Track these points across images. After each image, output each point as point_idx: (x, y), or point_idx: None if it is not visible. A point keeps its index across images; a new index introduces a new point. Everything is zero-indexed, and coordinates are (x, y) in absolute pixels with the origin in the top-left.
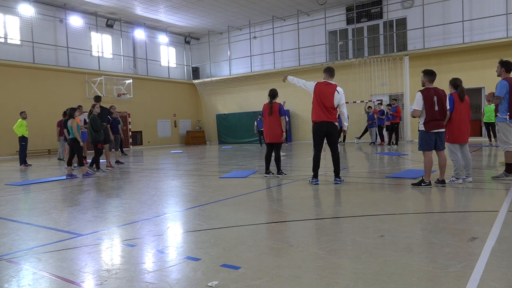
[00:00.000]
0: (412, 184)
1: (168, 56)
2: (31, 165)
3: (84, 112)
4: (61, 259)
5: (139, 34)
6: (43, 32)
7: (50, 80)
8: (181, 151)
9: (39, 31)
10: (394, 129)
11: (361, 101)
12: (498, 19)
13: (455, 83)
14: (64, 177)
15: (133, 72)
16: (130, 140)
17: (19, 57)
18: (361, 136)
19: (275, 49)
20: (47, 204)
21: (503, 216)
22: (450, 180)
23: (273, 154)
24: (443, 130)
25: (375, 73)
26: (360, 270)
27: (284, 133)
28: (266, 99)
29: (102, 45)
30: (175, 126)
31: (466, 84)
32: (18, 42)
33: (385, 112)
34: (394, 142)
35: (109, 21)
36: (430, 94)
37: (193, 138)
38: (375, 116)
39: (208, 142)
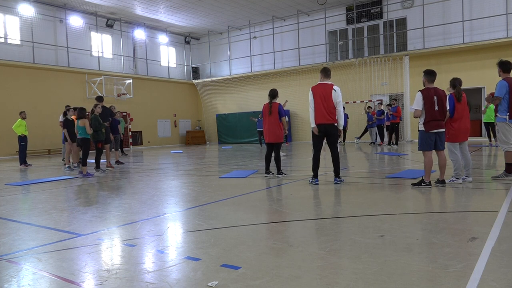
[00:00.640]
0: (412, 184)
1: (168, 56)
2: (31, 165)
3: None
4: (61, 259)
5: (139, 34)
6: (43, 32)
7: (50, 80)
8: (181, 151)
9: (39, 31)
10: (394, 129)
11: (361, 101)
12: (498, 19)
13: (454, 83)
14: (81, 175)
15: (133, 72)
16: (130, 140)
17: (19, 57)
18: (361, 136)
19: (275, 49)
20: (47, 204)
21: (503, 216)
22: (450, 180)
23: (273, 154)
24: (443, 130)
25: (375, 73)
26: (360, 270)
27: (286, 133)
28: (266, 99)
29: (102, 45)
30: (175, 126)
31: (466, 84)
32: (18, 42)
33: (385, 112)
34: (394, 142)
35: (109, 21)
36: (430, 94)
37: (193, 138)
38: (374, 116)
39: (208, 142)
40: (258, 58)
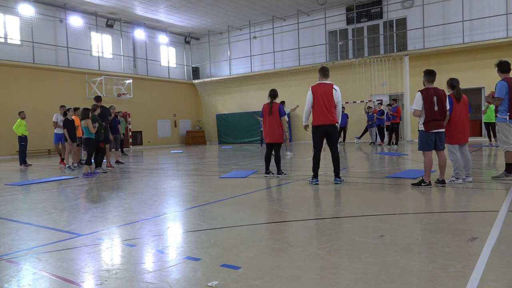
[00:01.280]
0: (412, 184)
1: (168, 56)
2: (31, 165)
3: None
4: (61, 259)
5: (139, 34)
6: (43, 32)
7: (50, 80)
8: (181, 151)
9: (39, 31)
10: (394, 129)
11: (361, 101)
12: (498, 19)
13: (452, 84)
14: (85, 175)
15: (133, 72)
16: (130, 140)
17: (19, 57)
18: (361, 136)
19: (275, 49)
20: (47, 204)
21: (503, 216)
22: (450, 180)
23: (273, 154)
24: (443, 130)
25: (375, 73)
26: (360, 270)
27: (286, 133)
28: (266, 99)
29: (102, 45)
30: (175, 126)
31: (466, 84)
32: (18, 42)
33: (385, 112)
34: (394, 142)
35: (109, 21)
36: (429, 94)
37: (193, 138)
38: (375, 116)
39: (208, 142)
40: (258, 58)
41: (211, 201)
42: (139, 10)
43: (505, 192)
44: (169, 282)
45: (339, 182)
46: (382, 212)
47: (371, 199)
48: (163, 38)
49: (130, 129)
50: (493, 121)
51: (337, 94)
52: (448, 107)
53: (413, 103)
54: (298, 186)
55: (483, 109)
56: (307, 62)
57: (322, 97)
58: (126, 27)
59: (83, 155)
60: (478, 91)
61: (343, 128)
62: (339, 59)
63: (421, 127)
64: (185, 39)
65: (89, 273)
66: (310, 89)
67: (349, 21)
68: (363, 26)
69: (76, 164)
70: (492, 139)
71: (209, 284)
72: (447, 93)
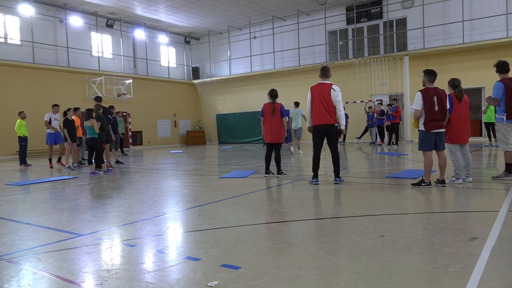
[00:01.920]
0: (412, 184)
1: (168, 56)
2: (31, 165)
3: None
4: (61, 259)
5: (139, 34)
6: (43, 32)
7: (50, 80)
8: (181, 151)
9: (39, 31)
10: (394, 129)
11: (361, 101)
12: (498, 19)
13: (453, 84)
14: (95, 173)
15: (133, 72)
16: (130, 140)
17: (19, 57)
18: (361, 136)
19: (275, 49)
20: (47, 204)
21: (503, 216)
22: (450, 180)
23: (273, 154)
24: (443, 130)
25: (375, 73)
26: (360, 270)
27: (285, 133)
28: (266, 99)
29: (102, 45)
30: (175, 126)
31: (466, 84)
32: (18, 42)
33: (385, 112)
34: (394, 142)
35: (109, 21)
36: (430, 94)
37: (193, 138)
38: (375, 116)
39: (208, 142)
40: (258, 58)
41: (211, 201)
42: (139, 10)
43: (505, 192)
44: (169, 282)
45: (339, 182)
46: (382, 212)
47: (371, 199)
48: (163, 38)
49: (130, 129)
50: (493, 121)
51: (336, 94)
52: (448, 106)
53: (413, 103)
54: (298, 186)
55: (483, 109)
56: (307, 62)
57: (320, 97)
58: (126, 27)
59: (85, 155)
60: (478, 91)
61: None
62: (339, 59)
63: (422, 127)
64: (185, 39)
65: (89, 273)
66: (309, 89)
67: (349, 21)
68: (363, 26)
69: (76, 164)
70: (492, 139)
71: (209, 284)
72: (448, 93)
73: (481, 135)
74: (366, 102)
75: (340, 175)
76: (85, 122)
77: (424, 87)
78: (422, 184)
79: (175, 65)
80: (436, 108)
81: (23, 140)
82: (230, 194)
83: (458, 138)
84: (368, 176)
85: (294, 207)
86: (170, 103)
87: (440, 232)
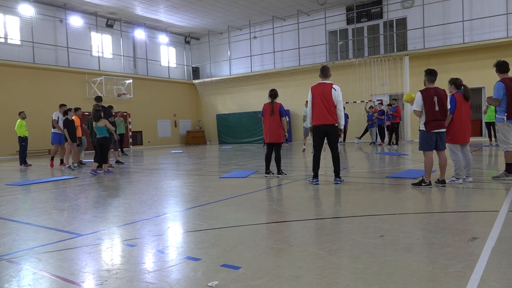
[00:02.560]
0: (412, 184)
1: (168, 56)
2: (31, 165)
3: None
4: (61, 259)
5: (139, 34)
6: (43, 32)
7: (50, 80)
8: (181, 151)
9: (39, 31)
10: (394, 129)
11: (361, 101)
12: (498, 19)
13: (457, 83)
14: (104, 172)
15: (133, 72)
16: (130, 140)
17: (19, 57)
18: (361, 136)
19: (275, 49)
20: (47, 204)
21: (504, 216)
22: (450, 180)
23: (274, 154)
24: (443, 130)
25: (375, 73)
26: (360, 270)
27: (286, 134)
28: (266, 99)
29: (102, 45)
30: (175, 126)
31: (466, 84)
32: (18, 42)
33: (385, 112)
34: (394, 142)
35: (109, 21)
36: (430, 94)
37: (193, 138)
38: (375, 116)
39: (208, 142)
40: (258, 58)
41: (211, 201)
42: (139, 10)
43: (505, 192)
44: (169, 282)
45: (339, 182)
46: (382, 212)
47: (371, 199)
48: (163, 38)
49: (130, 129)
50: (494, 121)
51: (337, 94)
52: (449, 106)
53: (414, 103)
54: (298, 186)
55: (483, 109)
56: (307, 62)
57: (321, 97)
58: (126, 27)
59: (83, 155)
60: (478, 91)
61: (344, 128)
62: (339, 59)
63: (422, 127)
64: (185, 39)
65: (89, 273)
66: (310, 89)
67: (349, 21)
68: (363, 26)
69: (76, 164)
70: (493, 138)
71: (209, 284)
72: (449, 93)
73: (481, 135)
74: (367, 102)
75: (340, 175)
76: (94, 123)
77: (424, 87)
78: (423, 184)
79: (175, 65)
80: (437, 108)
81: (23, 140)
82: (230, 194)
83: (459, 138)
84: (368, 176)
85: (294, 207)
86: (170, 103)
87: (440, 232)
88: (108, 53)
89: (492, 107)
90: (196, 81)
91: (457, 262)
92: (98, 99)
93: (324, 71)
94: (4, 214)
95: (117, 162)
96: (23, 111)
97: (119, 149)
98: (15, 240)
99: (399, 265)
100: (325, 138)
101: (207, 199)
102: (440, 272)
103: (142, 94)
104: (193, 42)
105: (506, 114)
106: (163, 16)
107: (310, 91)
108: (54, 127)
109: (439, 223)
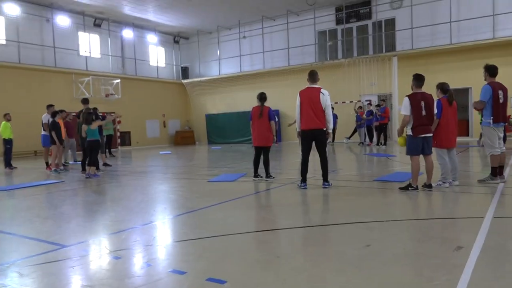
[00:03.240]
0: (400, 188)
1: (157, 55)
2: (16, 167)
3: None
4: (43, 274)
5: (128, 33)
6: (29, 32)
7: (36, 80)
8: (169, 152)
9: (25, 30)
10: (383, 130)
11: (350, 102)
12: (485, 20)
13: (444, 88)
14: (91, 176)
15: (122, 72)
16: (119, 141)
17: (4, 57)
18: (350, 136)
19: (265, 49)
20: (30, 212)
21: (488, 223)
22: (437, 184)
23: (262, 157)
24: (430, 134)
25: (364, 73)
26: (344, 283)
27: (274, 137)
28: (255, 99)
29: (90, 44)
30: (164, 126)
31: (453, 85)
32: (4, 42)
33: (374, 112)
34: (382, 143)
35: (97, 21)
36: (417, 99)
37: (182, 138)
38: (363, 117)
39: (197, 142)
40: (247, 58)
41: (199, 207)
42: (127, 10)
43: (490, 196)
44: None
45: (327, 186)
46: (369, 219)
47: (359, 205)
48: (152, 38)
49: (118, 129)
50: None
51: (325, 98)
52: (435, 111)
53: (402, 108)
54: (286, 191)
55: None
56: (296, 62)
57: (309, 102)
58: (114, 27)
59: (68, 158)
60: (465, 91)
61: (333, 129)
62: (328, 59)
63: (409, 132)
64: (174, 39)
65: None
66: (298, 94)
67: (338, 22)
68: (352, 27)
69: (62, 167)
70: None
71: None
72: (436, 98)
73: (468, 135)
74: (356, 103)
75: (328, 179)
76: (85, 125)
77: (412, 92)
78: (410, 188)
79: (164, 65)
80: (424, 113)
81: (8, 143)
82: (218, 199)
83: (446, 143)
84: (357, 179)
85: (281, 214)
86: (159, 103)
87: (426, 241)
88: (96, 53)
89: None
90: (185, 81)
91: (441, 275)
92: (85, 101)
93: (312, 76)
94: None
95: (104, 164)
96: (8, 113)
97: (106, 150)
98: None
99: (384, 278)
100: (313, 142)
101: (194, 205)
102: (426, 285)
103: (130, 94)
104: (182, 42)
105: (492, 118)
106: (152, 15)
107: (298, 96)
108: (44, 130)
109: (424, 230)
